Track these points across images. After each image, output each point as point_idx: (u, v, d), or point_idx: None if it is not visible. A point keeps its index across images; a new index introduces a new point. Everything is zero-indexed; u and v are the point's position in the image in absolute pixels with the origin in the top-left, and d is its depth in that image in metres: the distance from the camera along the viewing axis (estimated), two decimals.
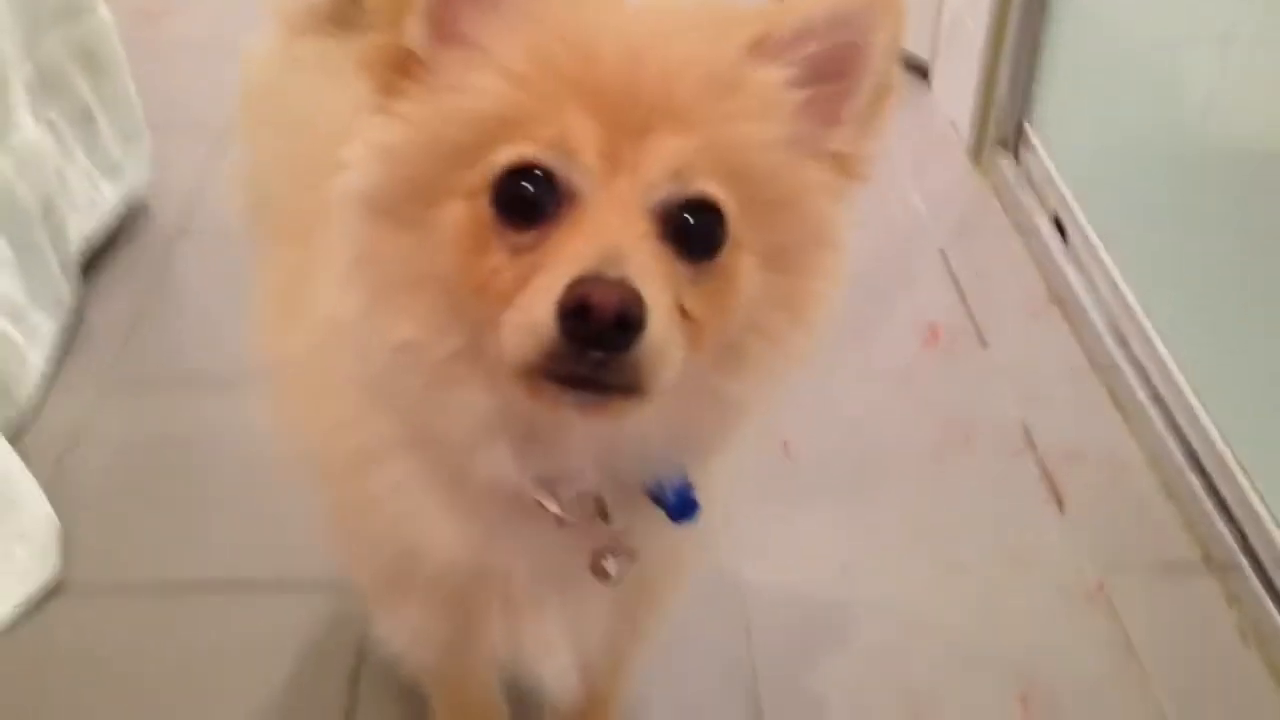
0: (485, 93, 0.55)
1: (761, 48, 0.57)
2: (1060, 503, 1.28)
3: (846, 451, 1.35)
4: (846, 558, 1.21)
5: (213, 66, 2.01)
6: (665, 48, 0.56)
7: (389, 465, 0.65)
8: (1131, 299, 1.44)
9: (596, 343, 0.50)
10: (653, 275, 0.52)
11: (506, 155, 0.54)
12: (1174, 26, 1.42)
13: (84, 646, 1.10)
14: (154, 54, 2.05)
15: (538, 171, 0.54)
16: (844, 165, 0.62)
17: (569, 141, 0.53)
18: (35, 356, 1.38)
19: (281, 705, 1.06)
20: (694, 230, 0.55)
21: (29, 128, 1.40)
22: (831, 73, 0.60)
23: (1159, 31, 1.45)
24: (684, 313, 0.54)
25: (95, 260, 1.58)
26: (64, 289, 1.46)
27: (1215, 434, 1.25)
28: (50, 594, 1.14)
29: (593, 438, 0.60)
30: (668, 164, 0.54)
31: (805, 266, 0.61)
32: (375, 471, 0.65)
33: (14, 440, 1.26)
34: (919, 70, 2.11)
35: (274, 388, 0.77)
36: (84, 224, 1.54)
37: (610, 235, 0.52)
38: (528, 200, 0.54)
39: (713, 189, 0.55)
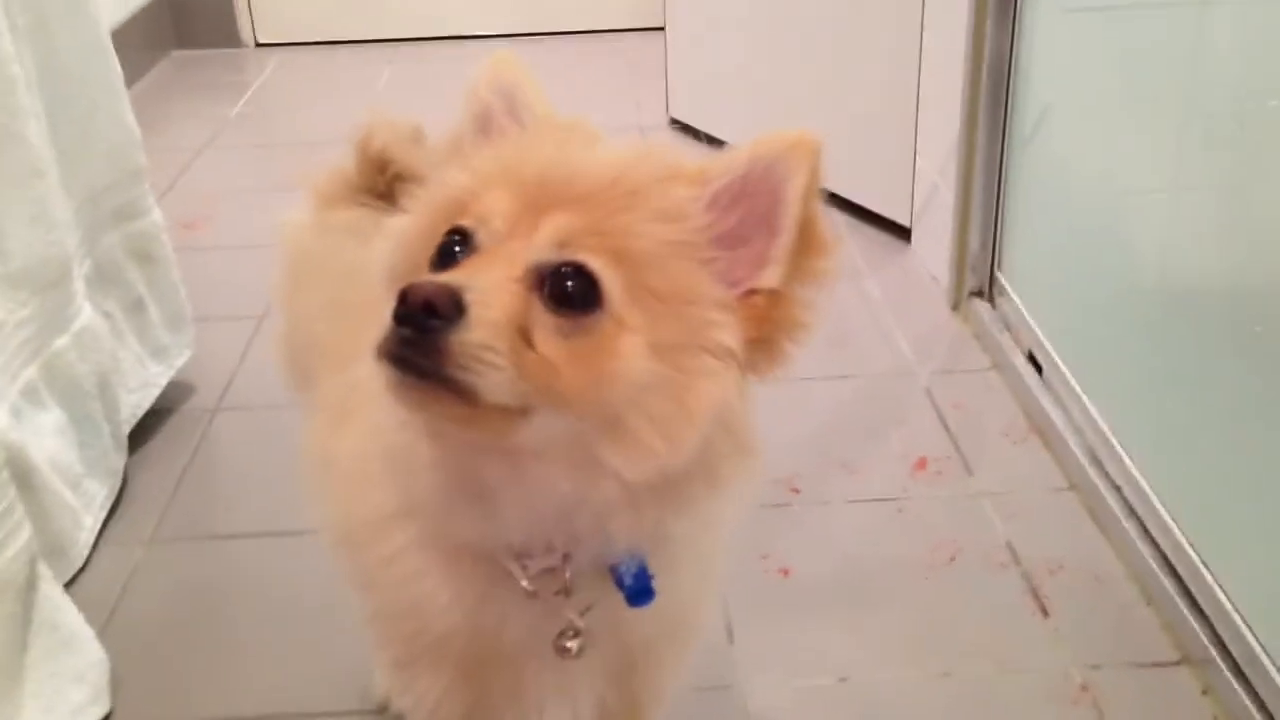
0: (452, 184, 0.70)
1: (679, 178, 0.69)
2: (1044, 611, 1.36)
3: (843, 573, 1.43)
4: (845, 670, 1.29)
5: (242, 268, 2.23)
6: (589, 156, 0.69)
7: (395, 533, 0.75)
8: (1103, 424, 1.54)
9: (405, 321, 0.60)
10: (494, 297, 0.62)
11: (451, 224, 0.68)
12: (1126, 180, 1.57)
13: None
14: (193, 257, 2.26)
15: (462, 234, 0.67)
16: (778, 304, 0.69)
17: (487, 212, 0.67)
18: (89, 520, 1.51)
19: None
20: (566, 290, 0.64)
21: (89, 315, 1.56)
22: (753, 216, 0.68)
23: (1112, 184, 1.60)
24: (532, 344, 0.63)
25: (142, 430, 1.72)
26: (116, 459, 1.59)
27: (1185, 542, 1.33)
28: None
29: (518, 497, 0.68)
30: (555, 234, 0.65)
31: (697, 369, 0.66)
32: (384, 540, 0.75)
33: (67, 591, 1.37)
34: (902, 232, 2.27)
35: (321, 485, 0.87)
36: (134, 400, 1.69)
37: (478, 270, 0.64)
38: (447, 252, 0.67)
39: (591, 261, 0.65)
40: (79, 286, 1.55)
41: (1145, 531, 1.41)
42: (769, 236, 0.69)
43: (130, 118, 1.68)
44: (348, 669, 1.31)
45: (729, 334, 0.68)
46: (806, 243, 0.69)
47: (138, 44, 3.32)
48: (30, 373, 1.44)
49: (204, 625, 1.39)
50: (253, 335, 2.00)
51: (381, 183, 1.03)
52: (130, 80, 3.06)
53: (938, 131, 2.06)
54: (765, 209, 0.69)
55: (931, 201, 2.13)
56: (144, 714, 1.26)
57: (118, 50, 1.67)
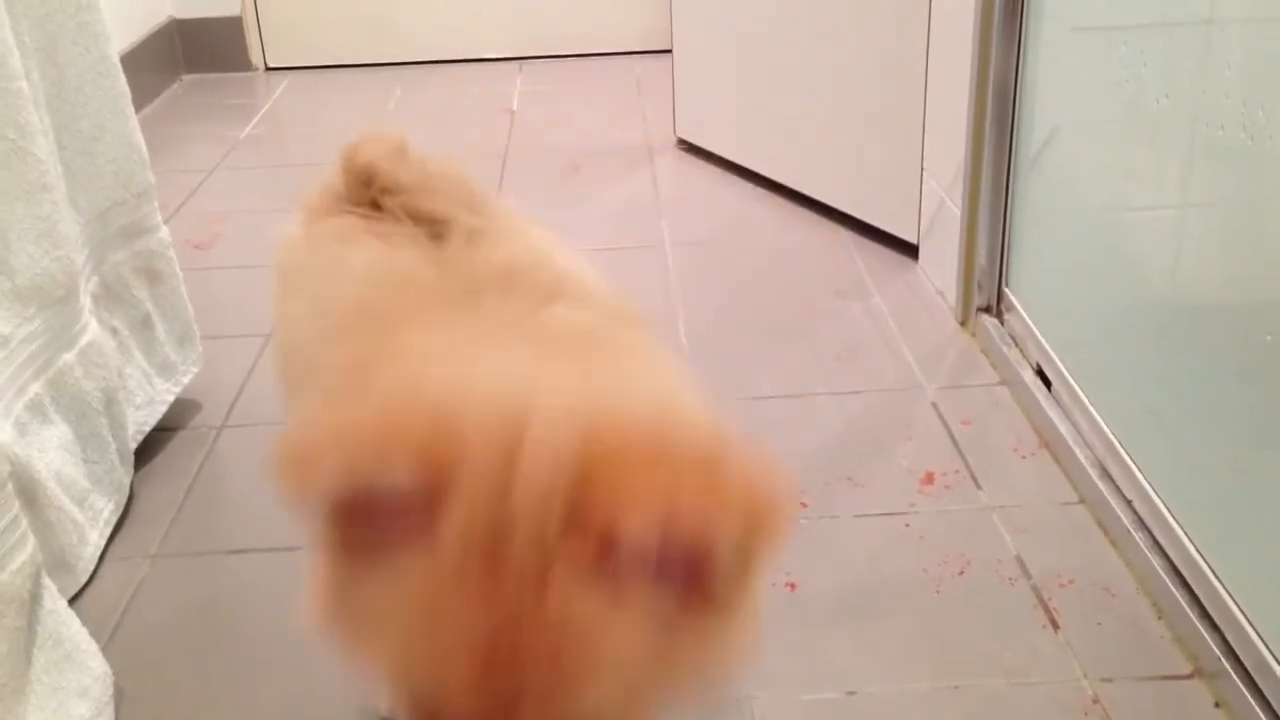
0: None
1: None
2: (1055, 624, 1.34)
3: (851, 587, 1.42)
4: (853, 684, 1.28)
5: (249, 287, 2.24)
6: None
7: None
8: (1113, 437, 1.53)
9: None
10: None
11: None
12: (1133, 196, 1.56)
13: None
14: (201, 277, 2.27)
15: None
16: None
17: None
18: (94, 535, 1.51)
19: None
20: None
21: (95, 331, 1.56)
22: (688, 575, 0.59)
23: (1120, 201, 1.59)
24: None
25: (149, 446, 1.72)
26: (122, 475, 1.59)
27: (1196, 554, 1.32)
28: None
29: None
30: None
31: None
32: None
33: (72, 605, 1.36)
34: (909, 249, 2.27)
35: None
36: (141, 417, 1.69)
37: None
38: None
39: None
40: (86, 303, 1.55)
41: (1156, 544, 1.39)
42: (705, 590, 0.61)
43: (138, 137, 1.69)
44: (329, 684, 1.30)
45: None
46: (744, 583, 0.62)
47: (148, 67, 3.35)
48: (36, 388, 1.44)
49: (209, 640, 1.38)
50: (259, 353, 2.01)
51: (367, 196, 1.03)
52: (140, 103, 3.08)
53: (944, 149, 2.06)
54: (695, 570, 0.59)
55: (938, 219, 2.13)
56: None
57: (127, 73, 1.68)
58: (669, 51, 2.85)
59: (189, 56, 3.61)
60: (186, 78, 3.60)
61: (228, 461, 1.72)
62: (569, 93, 3.37)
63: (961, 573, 1.43)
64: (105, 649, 1.33)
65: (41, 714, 1.21)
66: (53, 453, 1.45)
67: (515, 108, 3.25)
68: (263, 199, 2.70)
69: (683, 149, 2.87)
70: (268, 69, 3.67)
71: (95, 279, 1.64)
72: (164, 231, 1.76)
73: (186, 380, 1.81)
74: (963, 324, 2.01)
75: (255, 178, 2.84)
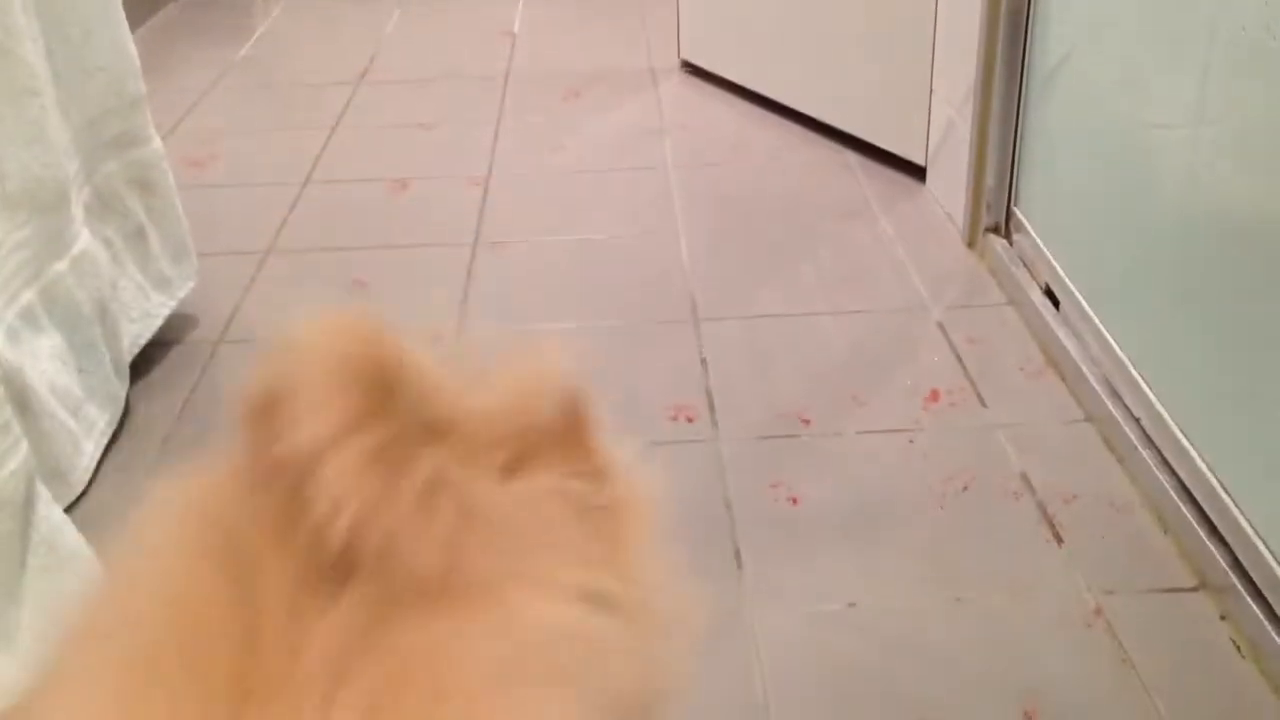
0: None
1: None
2: (1059, 539, 1.33)
3: (853, 502, 1.41)
4: (854, 596, 1.27)
5: (247, 204, 2.21)
6: None
7: None
8: (1122, 355, 1.51)
9: None
10: None
11: None
12: (1147, 112, 1.52)
13: None
14: (200, 194, 2.24)
15: None
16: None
17: None
18: (89, 445, 1.49)
19: None
20: None
21: (87, 241, 1.54)
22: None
23: (1133, 117, 1.55)
24: None
25: (145, 361, 1.70)
26: (117, 386, 1.58)
27: (1205, 468, 1.30)
28: None
29: None
30: None
31: None
32: None
33: (68, 515, 1.35)
34: (916, 172, 2.23)
35: None
36: (135, 330, 1.67)
37: None
38: None
39: None
40: (77, 212, 1.52)
41: (1163, 459, 1.38)
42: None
43: (129, 45, 1.65)
44: None
45: None
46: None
47: None
48: (28, 296, 1.42)
49: None
50: (257, 270, 1.98)
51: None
52: (136, 23, 3.03)
53: (955, 69, 2.01)
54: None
55: (947, 139, 2.09)
56: None
57: None
58: None
59: None
60: None
61: (225, 376, 1.70)
62: (571, 17, 3.31)
63: (965, 489, 1.42)
64: (102, 558, 1.32)
65: (36, 619, 1.20)
66: (46, 361, 1.43)
67: (516, 31, 3.19)
68: (260, 118, 2.66)
69: (687, 72, 2.82)
70: None
71: (88, 189, 1.61)
72: (157, 142, 1.73)
73: (182, 294, 1.79)
74: (970, 245, 1.98)
75: (252, 97, 2.79)
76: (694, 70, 2.81)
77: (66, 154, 1.50)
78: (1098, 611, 1.22)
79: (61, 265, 1.47)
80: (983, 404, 1.58)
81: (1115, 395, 1.50)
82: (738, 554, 1.33)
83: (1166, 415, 1.40)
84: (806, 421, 1.55)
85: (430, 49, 3.07)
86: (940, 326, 1.76)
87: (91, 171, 1.62)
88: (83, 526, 1.35)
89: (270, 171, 2.36)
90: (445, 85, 2.81)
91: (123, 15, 1.64)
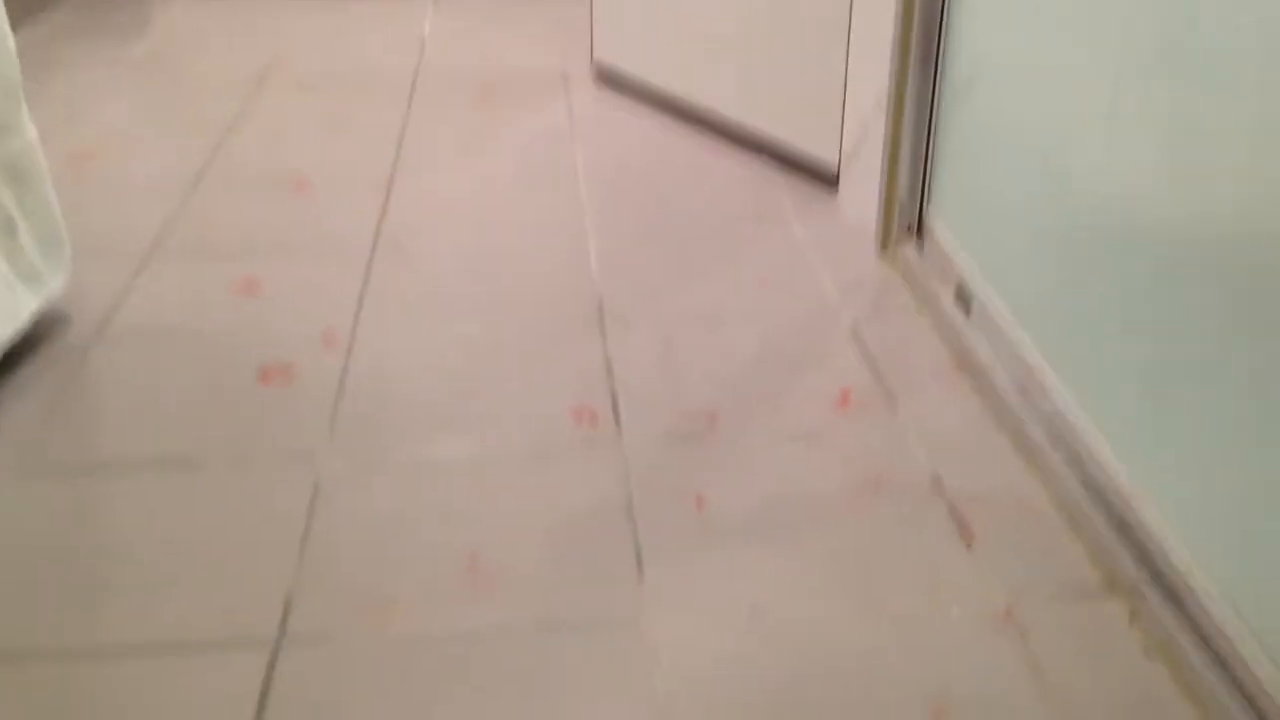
0: None
1: None
2: (969, 540, 1.29)
3: (761, 504, 1.35)
4: (760, 599, 1.21)
5: (132, 201, 2.11)
6: None
7: None
8: (1031, 354, 1.49)
9: None
10: None
11: None
12: (1060, 116, 1.51)
13: None
14: (81, 191, 2.13)
15: None
16: None
17: None
18: None
19: None
20: None
21: None
22: None
23: (1047, 121, 1.54)
24: None
25: (13, 360, 1.59)
26: None
27: (1116, 470, 1.27)
28: None
29: None
30: None
31: None
32: None
33: None
34: (829, 180, 2.21)
35: None
36: (2, 327, 1.56)
37: None
38: None
39: None
40: None
41: (1072, 459, 1.35)
42: None
43: (5, 26, 1.55)
44: (216, 602, 1.21)
45: None
46: None
47: None
48: None
49: (71, 559, 1.27)
50: (139, 269, 1.88)
51: None
52: (25, 22, 2.90)
53: (868, 74, 1.99)
54: None
55: (861, 145, 2.06)
56: (7, 646, 1.14)
57: None
58: None
59: None
60: None
61: (98, 378, 1.60)
62: (483, 21, 3.25)
63: (876, 492, 1.37)
64: None
65: None
66: None
67: (426, 33, 3.12)
68: (153, 117, 2.55)
69: (600, 81, 2.77)
70: None
71: None
72: (31, 132, 1.62)
73: (53, 290, 1.68)
74: (883, 250, 1.95)
75: (147, 96, 2.68)
76: (607, 79, 2.77)
77: None
78: (1008, 614, 1.18)
79: None
80: (893, 407, 1.54)
81: (1025, 397, 1.48)
82: (639, 558, 1.27)
83: (1076, 416, 1.37)
84: (714, 423, 1.50)
85: (335, 51, 2.99)
86: (851, 331, 1.72)
87: None
88: None
89: (161, 170, 2.25)
90: (350, 87, 2.72)
91: None
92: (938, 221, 1.83)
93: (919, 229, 1.89)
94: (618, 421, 1.51)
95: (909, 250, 1.88)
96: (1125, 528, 1.23)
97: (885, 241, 1.95)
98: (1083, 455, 1.34)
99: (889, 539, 1.30)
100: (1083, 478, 1.32)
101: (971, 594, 1.21)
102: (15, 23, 1.59)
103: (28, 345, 1.63)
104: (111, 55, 2.91)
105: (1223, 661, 1.07)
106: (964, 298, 1.70)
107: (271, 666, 1.12)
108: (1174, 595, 1.14)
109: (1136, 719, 1.07)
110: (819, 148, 2.21)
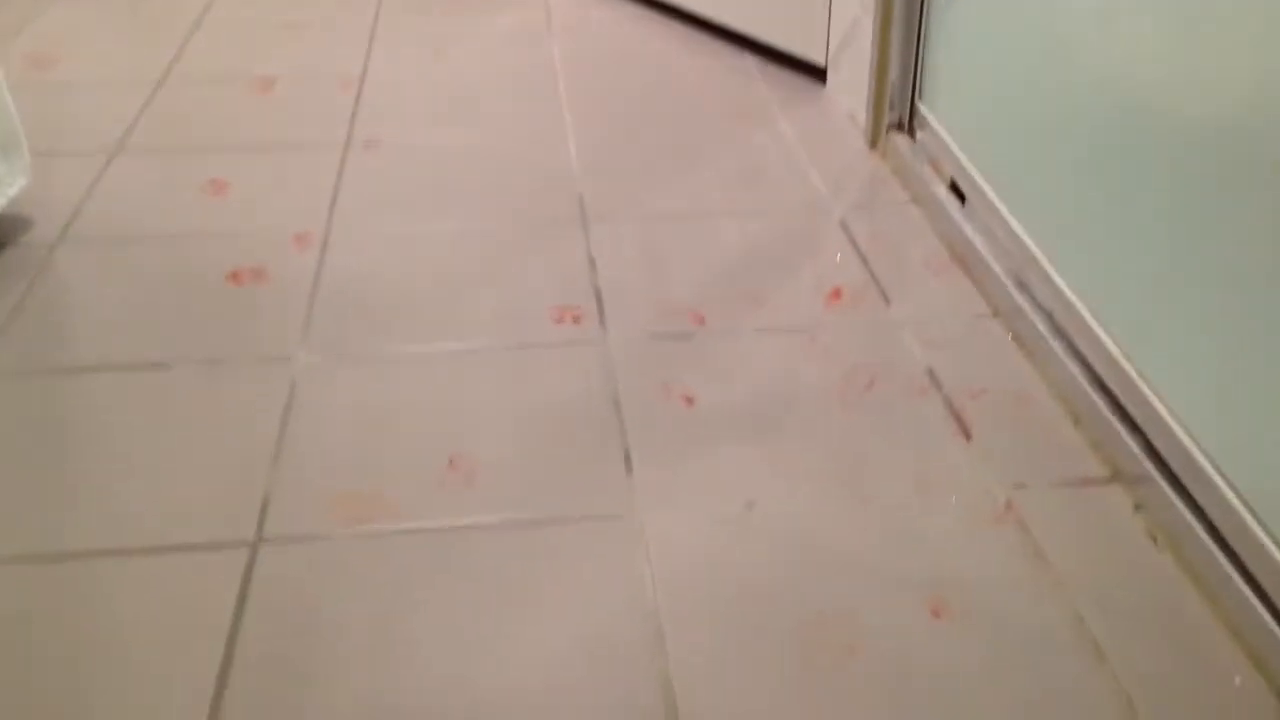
0: None
1: None
2: (967, 434, 1.25)
3: (751, 401, 1.31)
4: (751, 494, 1.17)
5: (93, 103, 2.02)
6: None
7: None
8: (1031, 245, 1.44)
9: None
10: None
11: None
12: None
13: None
14: (43, 94, 2.04)
15: None
16: None
17: None
18: None
19: (152, 666, 0.99)
20: None
21: None
22: None
23: (1038, 2, 1.47)
24: None
25: None
26: None
27: (1120, 356, 1.23)
28: None
29: None
30: None
31: None
32: None
33: None
34: (817, 74, 2.13)
35: None
36: None
37: None
38: None
39: None
40: None
41: (1074, 349, 1.31)
42: None
43: None
44: (192, 503, 1.16)
45: None
46: None
47: None
48: None
49: (40, 462, 1.22)
50: (102, 170, 1.80)
51: None
52: None
53: None
54: None
55: (850, 37, 1.99)
56: None
57: None
58: None
59: None
60: None
61: (62, 279, 1.54)
62: None
63: (870, 386, 1.33)
64: None
65: None
66: None
67: None
68: (113, 18, 2.44)
69: None
70: None
71: None
72: None
73: (13, 193, 1.61)
74: (873, 144, 1.89)
75: (103, 2, 2.56)
76: None
77: None
78: (1008, 506, 1.15)
79: None
80: (886, 301, 1.49)
81: (1023, 287, 1.43)
82: (628, 457, 1.23)
83: (1078, 303, 1.33)
84: (701, 320, 1.45)
85: None
86: (842, 225, 1.67)
87: None
88: None
89: (123, 71, 2.16)
90: None
91: None
92: (930, 113, 1.77)
93: (910, 120, 1.83)
94: (602, 319, 1.46)
95: (900, 143, 1.81)
96: (1131, 416, 1.20)
97: (875, 135, 1.89)
98: (1084, 347, 1.30)
99: (884, 434, 1.26)
100: (1084, 369, 1.28)
101: (970, 487, 1.18)
102: None
103: None
104: None
105: (1230, 548, 1.05)
106: (958, 190, 1.65)
107: (250, 567, 1.08)
108: (1179, 483, 1.11)
109: (1144, 606, 1.04)
110: (806, 42, 2.14)
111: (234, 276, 1.54)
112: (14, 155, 1.62)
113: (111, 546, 1.11)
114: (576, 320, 1.46)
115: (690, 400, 1.31)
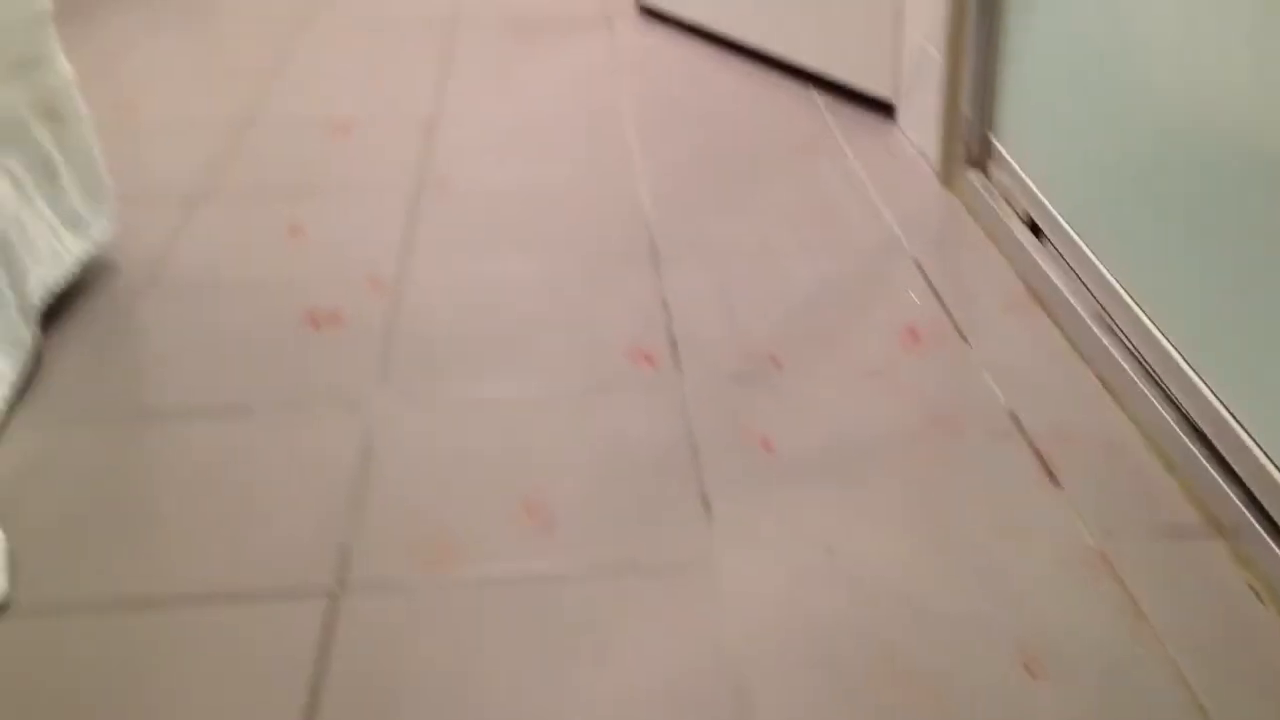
0: None
1: None
2: (1054, 479, 1.23)
3: (830, 444, 1.30)
4: (832, 540, 1.16)
5: (179, 146, 2.06)
6: None
7: None
8: (1115, 284, 1.41)
9: None
10: None
11: None
12: (1130, 23, 1.42)
13: (29, 668, 1.04)
14: (129, 137, 2.09)
15: None
16: None
17: None
18: None
19: (234, 714, 0.99)
20: None
21: None
22: None
23: (1116, 32, 1.45)
24: None
25: (59, 309, 1.56)
26: (24, 331, 1.43)
27: (1216, 401, 1.20)
28: None
29: None
30: None
31: None
32: None
33: None
34: (886, 109, 2.12)
35: None
36: (46, 273, 1.52)
37: None
38: None
39: None
40: None
41: (1165, 394, 1.28)
42: None
43: None
44: (273, 549, 1.17)
45: None
46: None
47: None
48: None
49: (121, 507, 1.24)
50: (187, 216, 1.84)
51: None
52: None
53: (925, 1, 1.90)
54: None
55: (919, 71, 1.97)
56: (49, 598, 1.11)
57: None
58: None
59: None
60: None
61: (146, 327, 1.56)
62: None
63: (951, 430, 1.31)
64: (6, 518, 1.19)
65: None
66: None
67: None
68: (196, 64, 2.50)
69: (643, 15, 2.68)
70: None
71: None
72: (63, 65, 1.57)
73: (99, 237, 1.64)
74: (945, 181, 1.87)
75: (189, 43, 2.62)
76: (650, 14, 2.68)
77: None
78: (1101, 556, 1.12)
79: None
80: (965, 341, 1.47)
81: (1108, 327, 1.40)
82: (706, 501, 1.22)
83: (1168, 346, 1.29)
84: (776, 362, 1.44)
85: (363, 11, 2.91)
86: (916, 263, 1.65)
87: None
88: None
89: (203, 118, 2.21)
90: (391, 30, 2.65)
91: None
92: (1004, 147, 1.75)
93: (984, 155, 1.81)
94: (676, 360, 1.45)
95: (973, 178, 1.79)
96: (1229, 464, 1.16)
97: (947, 170, 1.87)
98: (1177, 391, 1.26)
99: (967, 478, 1.24)
100: (1177, 414, 1.25)
101: (1059, 534, 1.15)
102: None
103: (76, 292, 1.60)
104: (149, 3, 2.85)
105: None
106: (1035, 225, 1.62)
107: (330, 614, 1.09)
108: None
109: (1250, 665, 1.00)
110: (872, 76, 2.12)
111: (312, 320, 1.56)
112: (101, 202, 1.65)
113: (193, 592, 1.12)
114: (651, 362, 1.45)
115: (768, 443, 1.30)
